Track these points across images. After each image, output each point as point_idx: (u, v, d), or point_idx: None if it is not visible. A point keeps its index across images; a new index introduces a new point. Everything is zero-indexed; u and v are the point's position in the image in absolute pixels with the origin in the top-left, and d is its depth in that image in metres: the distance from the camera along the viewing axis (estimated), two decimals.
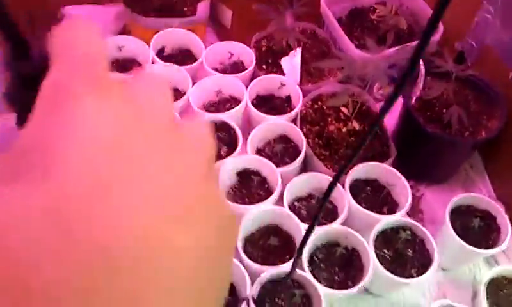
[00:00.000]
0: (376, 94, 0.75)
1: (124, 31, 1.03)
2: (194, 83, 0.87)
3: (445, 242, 0.75)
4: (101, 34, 0.20)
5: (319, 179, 0.78)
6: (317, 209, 0.41)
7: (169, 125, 0.19)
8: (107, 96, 0.17)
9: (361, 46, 0.88)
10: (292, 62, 0.88)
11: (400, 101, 0.86)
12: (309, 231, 0.42)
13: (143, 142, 0.17)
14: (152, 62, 0.90)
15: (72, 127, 0.16)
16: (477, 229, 0.76)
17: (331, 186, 0.38)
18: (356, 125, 0.80)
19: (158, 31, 0.93)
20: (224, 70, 0.94)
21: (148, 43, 0.91)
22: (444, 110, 0.81)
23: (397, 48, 0.84)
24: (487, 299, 0.71)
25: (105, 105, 0.17)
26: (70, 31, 0.19)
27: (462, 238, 0.73)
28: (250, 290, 0.67)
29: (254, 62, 0.90)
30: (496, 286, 0.74)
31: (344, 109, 0.82)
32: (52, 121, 0.16)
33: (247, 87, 0.87)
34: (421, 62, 0.78)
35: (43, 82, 0.17)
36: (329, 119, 0.84)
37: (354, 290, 0.69)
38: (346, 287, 0.70)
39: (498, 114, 0.82)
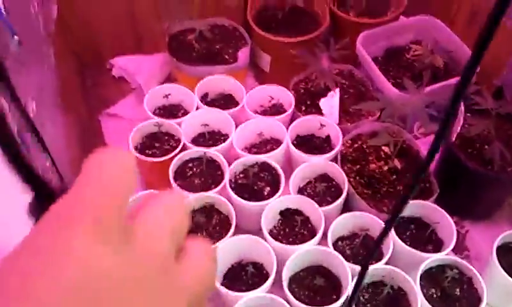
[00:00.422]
0: (416, 132, 0.77)
1: (169, 79, 1.09)
2: (236, 126, 0.91)
3: (492, 280, 0.74)
4: (134, 165, 0.20)
5: (362, 218, 0.80)
6: (368, 253, 0.42)
7: (162, 268, 0.19)
8: (102, 240, 0.17)
9: (398, 85, 0.90)
10: (330, 103, 0.91)
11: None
12: (361, 276, 0.44)
13: (126, 292, 0.17)
14: (197, 108, 0.95)
15: (52, 266, 0.16)
16: None
17: (385, 232, 0.39)
18: (397, 163, 0.81)
19: (201, 78, 0.98)
20: (264, 113, 0.98)
21: (192, 89, 0.96)
22: (485, 146, 0.81)
23: (434, 86, 0.86)
24: None
25: (96, 251, 0.17)
26: (105, 156, 0.20)
27: (510, 275, 0.72)
28: None
29: (293, 104, 0.94)
30: None
31: (384, 148, 0.84)
32: (40, 247, 0.17)
33: (287, 128, 0.90)
34: None
35: (58, 200, 0.18)
36: (370, 158, 0.86)
37: None
38: None
39: None
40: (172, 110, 0.98)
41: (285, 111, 0.95)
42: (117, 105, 1.08)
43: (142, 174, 0.95)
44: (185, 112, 0.96)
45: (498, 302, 0.78)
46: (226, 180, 0.83)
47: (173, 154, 0.86)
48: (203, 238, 0.79)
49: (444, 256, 0.75)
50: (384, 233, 0.40)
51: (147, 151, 0.90)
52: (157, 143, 0.91)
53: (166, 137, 0.92)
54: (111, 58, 1.14)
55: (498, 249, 0.75)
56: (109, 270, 0.17)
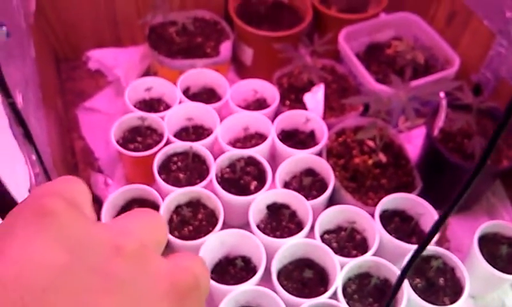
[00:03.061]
0: (401, 126, 0.78)
1: (148, 72, 1.07)
2: (219, 120, 0.90)
3: (473, 270, 0.77)
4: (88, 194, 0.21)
5: (348, 211, 0.80)
6: (386, 303, 0.43)
7: (108, 260, 0.18)
8: (42, 233, 0.17)
9: (380, 80, 0.92)
10: (315, 97, 0.91)
11: (422, 131, 0.89)
12: None
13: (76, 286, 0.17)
14: (179, 102, 0.93)
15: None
16: (504, 255, 0.78)
17: (402, 277, 0.40)
18: (382, 157, 0.83)
19: (182, 72, 0.96)
20: (248, 107, 0.97)
21: (172, 83, 0.94)
22: (466, 141, 0.84)
23: (419, 81, 0.87)
24: None
25: (34, 244, 0.17)
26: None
27: (490, 265, 0.74)
28: None
29: (278, 98, 0.94)
30: None
31: (369, 142, 0.85)
32: None
33: (272, 123, 0.90)
34: (442, 95, 0.81)
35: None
36: (355, 152, 0.87)
37: None
38: None
39: None
40: (153, 104, 0.96)
41: (268, 106, 0.95)
42: (94, 99, 1.05)
43: (125, 168, 0.93)
44: (167, 106, 0.95)
45: (479, 291, 0.81)
46: (212, 175, 0.82)
47: (157, 148, 0.85)
48: (189, 232, 0.78)
49: (428, 247, 0.76)
50: (399, 283, 0.40)
51: (130, 145, 0.88)
52: (139, 137, 0.89)
53: (149, 132, 0.90)
54: (88, 51, 1.10)
55: (479, 239, 0.78)
56: (61, 266, 0.17)
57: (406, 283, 0.72)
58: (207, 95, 0.98)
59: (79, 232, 0.18)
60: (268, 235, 0.78)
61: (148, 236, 0.21)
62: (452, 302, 0.73)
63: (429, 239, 0.40)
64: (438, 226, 0.40)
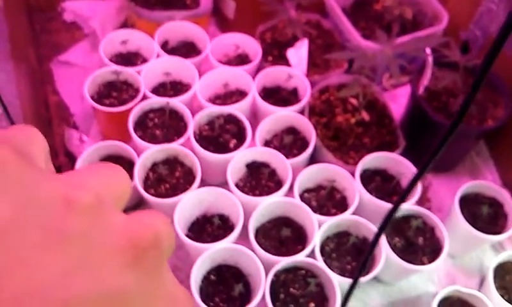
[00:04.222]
0: (386, 84, 0.76)
1: (126, 25, 1.02)
2: (199, 76, 0.87)
3: (453, 230, 0.76)
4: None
5: (329, 170, 0.79)
6: (360, 266, 0.41)
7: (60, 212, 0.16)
8: None
9: (366, 36, 0.89)
10: (298, 53, 0.88)
11: (407, 89, 0.86)
12: (352, 287, 0.43)
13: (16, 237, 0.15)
14: (157, 56, 0.89)
15: None
16: (485, 216, 0.77)
17: (376, 238, 0.38)
18: (365, 115, 0.80)
19: (161, 24, 0.92)
20: (229, 63, 0.93)
21: (151, 36, 0.90)
22: (451, 100, 0.82)
23: (404, 38, 0.84)
24: (494, 283, 0.72)
25: None
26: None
27: (470, 225, 0.74)
28: (264, 280, 0.67)
29: (260, 54, 0.90)
30: (503, 271, 0.75)
31: (352, 100, 0.82)
32: None
33: (253, 79, 0.87)
34: (428, 52, 0.79)
35: None
36: (337, 110, 0.85)
37: (366, 278, 0.69)
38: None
39: (503, 103, 0.83)
40: (130, 58, 0.92)
41: (250, 61, 0.92)
42: (69, 52, 1.01)
43: (100, 124, 0.90)
44: (144, 60, 0.91)
45: (458, 251, 0.80)
46: (190, 132, 0.79)
47: (132, 104, 0.81)
48: (166, 190, 0.76)
49: (409, 206, 0.76)
50: (376, 239, 0.39)
51: (105, 100, 0.84)
52: (115, 92, 0.86)
53: (125, 86, 0.86)
54: (63, 1, 1.05)
55: (460, 199, 0.77)
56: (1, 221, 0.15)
57: (384, 242, 0.71)
58: (186, 49, 0.94)
59: (26, 184, 0.16)
60: (247, 193, 0.76)
61: (106, 190, 0.19)
62: (431, 261, 0.72)
63: (405, 195, 0.38)
64: (413, 183, 0.38)
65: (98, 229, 0.17)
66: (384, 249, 0.71)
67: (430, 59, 0.78)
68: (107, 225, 0.17)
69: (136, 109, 0.81)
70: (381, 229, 0.40)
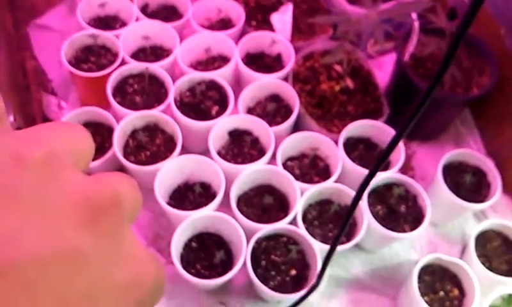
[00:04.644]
0: (370, 50, 0.74)
1: None
2: (180, 41, 0.84)
3: (436, 198, 0.76)
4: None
5: (312, 138, 0.78)
6: (338, 232, 0.40)
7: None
8: None
9: (352, 1, 0.86)
10: (283, 18, 0.86)
11: (393, 57, 0.85)
12: (331, 253, 0.42)
13: None
14: (136, 20, 0.86)
15: None
16: (468, 184, 0.77)
17: (356, 199, 0.37)
18: (349, 83, 0.79)
19: None
20: (211, 27, 0.91)
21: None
22: (437, 67, 0.80)
23: (390, 3, 0.82)
24: (476, 250, 0.73)
25: None
26: None
27: (453, 194, 0.74)
28: (246, 248, 0.66)
29: (243, 18, 0.88)
30: (484, 239, 0.76)
31: (336, 67, 0.81)
32: None
33: (236, 44, 0.85)
34: (414, 17, 0.77)
35: None
36: (322, 77, 0.83)
37: (348, 245, 0.69)
38: (340, 243, 0.70)
39: (489, 71, 0.82)
40: (108, 22, 0.89)
41: (233, 26, 0.89)
42: (46, 16, 0.98)
43: (78, 90, 0.87)
44: (123, 24, 0.88)
45: (441, 219, 0.81)
46: (170, 98, 0.77)
47: (111, 69, 0.79)
48: (146, 158, 0.74)
49: (391, 174, 0.75)
50: (354, 204, 0.38)
51: (83, 65, 0.82)
52: (93, 57, 0.83)
53: (103, 51, 0.84)
54: None
55: (444, 168, 0.77)
56: None
57: (366, 210, 0.71)
58: (167, 13, 0.91)
59: None
60: (229, 161, 0.75)
61: (62, 146, 0.17)
62: (413, 229, 0.72)
63: (382, 161, 0.38)
64: (391, 147, 0.37)
65: (51, 187, 0.15)
66: (366, 216, 0.70)
67: (416, 25, 0.76)
68: (62, 182, 0.16)
69: (114, 75, 0.78)
70: (359, 194, 0.40)
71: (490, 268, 0.71)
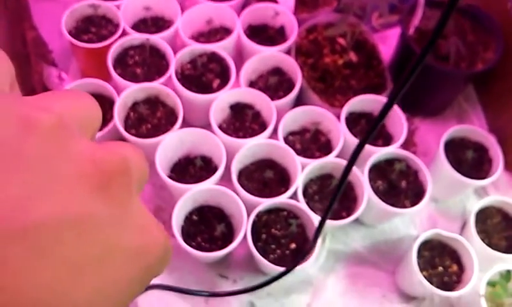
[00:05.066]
0: (375, 24, 0.73)
1: None
2: (182, 11, 0.83)
3: (437, 173, 0.76)
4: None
5: (314, 112, 0.77)
6: (331, 197, 0.40)
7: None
8: None
9: None
10: None
11: (398, 31, 0.83)
12: (322, 222, 0.42)
13: None
14: None
15: None
16: (469, 160, 0.77)
17: (347, 169, 0.37)
18: (353, 56, 0.78)
19: None
20: None
21: None
22: (441, 42, 0.79)
23: None
24: (476, 227, 0.73)
25: None
26: None
27: (454, 170, 0.73)
28: (246, 221, 0.67)
29: None
30: (485, 215, 0.76)
31: (340, 40, 0.80)
32: None
33: (238, 16, 0.83)
34: None
35: None
36: (325, 51, 0.82)
37: (348, 220, 0.69)
38: (340, 217, 0.70)
39: (494, 45, 0.80)
40: None
41: None
42: None
43: (78, 62, 0.87)
44: None
45: (442, 195, 0.81)
46: (171, 70, 0.77)
47: (112, 40, 0.78)
48: (147, 130, 0.74)
49: (393, 150, 0.75)
50: (345, 174, 0.37)
51: (83, 36, 0.81)
52: (93, 28, 0.82)
53: (104, 22, 0.83)
54: None
55: (446, 144, 0.76)
56: None
57: (366, 185, 0.71)
58: None
59: None
60: (230, 135, 0.74)
61: (71, 114, 0.17)
62: (413, 204, 0.72)
63: (374, 128, 0.37)
64: (382, 115, 0.37)
65: (61, 153, 0.15)
66: (366, 191, 0.70)
67: None
68: (71, 149, 0.16)
69: (115, 46, 0.78)
70: (350, 164, 0.39)
71: (489, 245, 0.72)
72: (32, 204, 0.14)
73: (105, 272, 0.15)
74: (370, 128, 0.34)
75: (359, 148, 0.35)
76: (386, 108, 0.32)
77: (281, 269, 0.58)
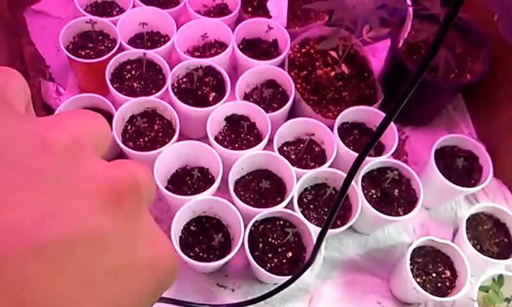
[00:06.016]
0: (365, 37, 0.75)
1: None
2: (177, 27, 0.85)
3: (429, 182, 0.78)
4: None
5: (308, 124, 0.79)
6: (332, 208, 0.41)
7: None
8: None
9: None
10: (278, 4, 0.86)
11: (387, 44, 0.86)
12: (322, 234, 0.43)
13: None
14: (133, 6, 0.87)
15: None
16: (460, 169, 0.79)
17: (348, 180, 0.38)
18: (345, 68, 0.80)
19: None
20: (208, 14, 0.91)
21: None
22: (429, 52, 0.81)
23: None
24: (467, 233, 0.75)
25: None
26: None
27: (445, 178, 0.75)
28: (243, 231, 0.68)
29: (239, 4, 0.88)
30: (476, 222, 0.78)
31: (332, 53, 0.82)
32: None
33: (232, 31, 0.85)
34: (409, 3, 0.78)
35: None
36: (317, 63, 0.84)
37: (342, 228, 0.71)
38: (335, 226, 0.72)
39: (482, 57, 0.83)
40: (106, 8, 0.89)
41: (230, 12, 0.90)
42: (43, 1, 0.97)
43: (76, 77, 0.88)
44: (121, 10, 0.88)
45: (433, 203, 0.82)
46: (168, 84, 0.78)
47: (109, 55, 0.80)
48: (145, 143, 0.75)
49: (385, 159, 0.77)
50: (345, 186, 0.39)
51: (80, 51, 0.82)
52: (90, 43, 0.83)
53: (101, 37, 0.84)
54: None
55: (436, 153, 0.78)
56: None
57: (360, 193, 0.72)
58: None
59: (1, 124, 0.15)
60: (226, 147, 0.76)
61: (85, 134, 0.18)
62: (406, 212, 0.74)
63: (373, 142, 0.39)
64: (382, 129, 0.38)
65: (76, 172, 0.16)
66: (360, 200, 0.72)
67: (410, 12, 0.77)
68: (86, 168, 0.17)
69: (112, 61, 0.79)
70: (350, 176, 0.41)
71: (481, 250, 0.74)
72: (51, 220, 0.15)
73: (118, 286, 0.16)
74: (369, 143, 0.35)
75: (358, 162, 0.37)
76: (384, 124, 0.33)
77: (282, 278, 0.58)
